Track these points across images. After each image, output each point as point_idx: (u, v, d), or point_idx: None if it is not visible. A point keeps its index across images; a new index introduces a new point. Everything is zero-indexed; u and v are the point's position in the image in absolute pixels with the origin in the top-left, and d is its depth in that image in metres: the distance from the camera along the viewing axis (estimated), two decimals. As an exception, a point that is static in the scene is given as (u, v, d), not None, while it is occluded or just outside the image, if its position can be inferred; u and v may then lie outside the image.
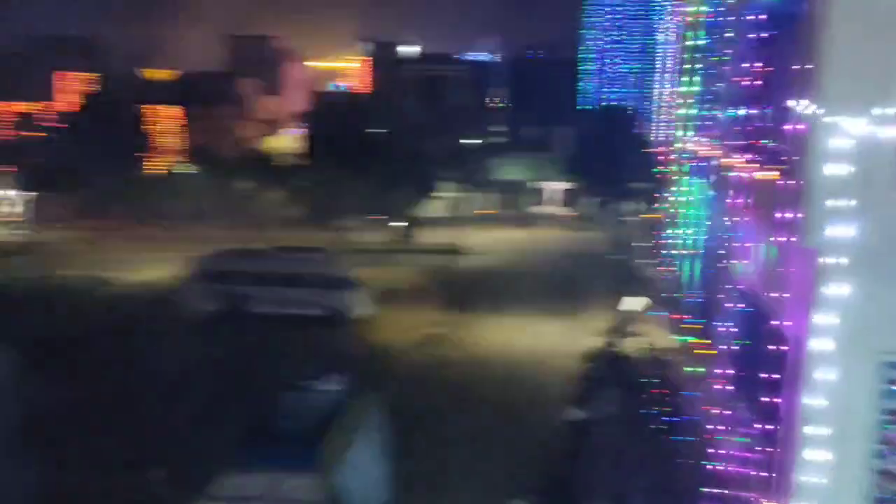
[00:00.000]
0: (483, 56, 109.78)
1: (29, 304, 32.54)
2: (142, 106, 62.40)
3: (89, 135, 53.31)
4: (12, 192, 57.23)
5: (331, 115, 56.65)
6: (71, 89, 73.62)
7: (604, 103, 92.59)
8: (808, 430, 9.13)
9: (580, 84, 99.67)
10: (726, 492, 11.73)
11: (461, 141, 62.87)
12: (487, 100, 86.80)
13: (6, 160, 57.68)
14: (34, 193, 55.97)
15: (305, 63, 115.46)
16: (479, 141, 67.54)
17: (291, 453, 13.56)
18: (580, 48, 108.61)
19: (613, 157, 55.25)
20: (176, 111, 70.41)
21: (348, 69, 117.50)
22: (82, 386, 23.50)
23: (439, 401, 22.69)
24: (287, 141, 73.65)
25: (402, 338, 29.46)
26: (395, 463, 17.23)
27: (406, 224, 49.09)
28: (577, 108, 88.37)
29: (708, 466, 12.53)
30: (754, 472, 10.42)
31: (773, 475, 9.90)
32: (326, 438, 14.16)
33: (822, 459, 9.08)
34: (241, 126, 74.07)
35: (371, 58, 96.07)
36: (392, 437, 17.27)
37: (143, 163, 59.73)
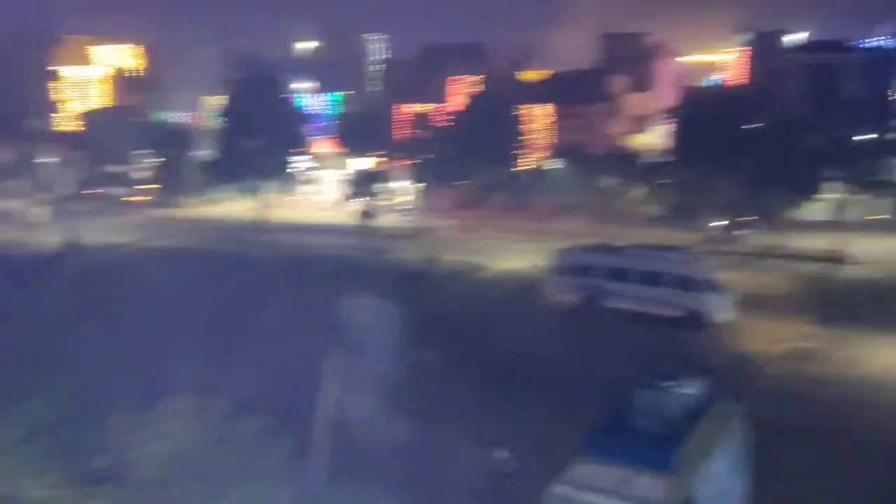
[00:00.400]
0: (887, 41, 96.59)
1: (414, 282, 36.67)
2: (519, 106, 66.28)
3: (471, 133, 58.14)
4: (407, 184, 64.90)
5: (703, 111, 54.33)
6: (460, 92, 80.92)
7: None
8: None
9: None
10: None
11: (853, 137, 56.11)
12: (890, 91, 76.22)
13: (403, 155, 65.54)
14: (424, 185, 62.81)
15: (678, 58, 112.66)
16: (877, 136, 59.65)
17: (646, 452, 13.37)
18: None
19: None
20: (549, 110, 73.62)
21: (725, 62, 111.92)
22: (451, 360, 25.78)
23: (804, 420, 20.65)
24: (656, 137, 72.69)
25: (766, 348, 27.35)
26: (754, 479, 16.10)
27: (733, 226, 45.43)
28: None
29: None
30: None
31: None
32: (684, 442, 13.72)
33: None
34: (611, 123, 74.90)
35: (750, 48, 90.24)
36: (752, 452, 16.17)
37: (518, 159, 63.48)
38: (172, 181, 62.77)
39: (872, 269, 39.50)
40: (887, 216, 52.78)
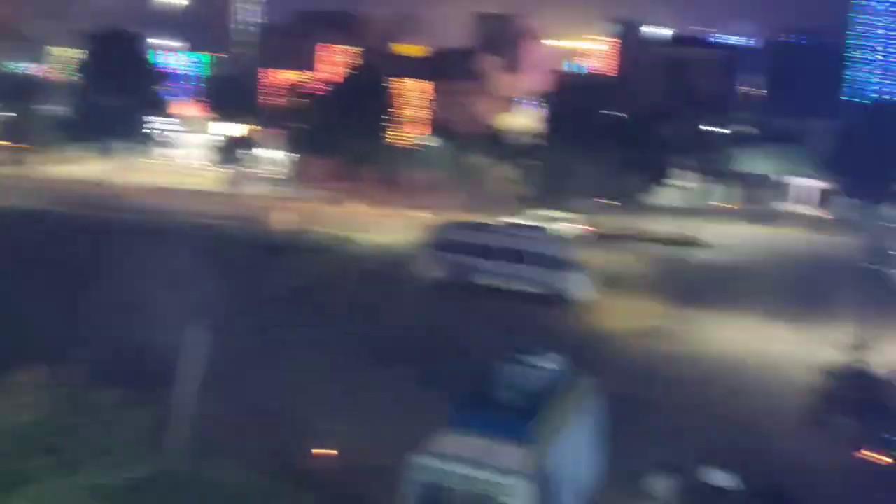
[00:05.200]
0: (738, 39, 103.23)
1: (281, 254, 36.00)
2: (392, 79, 65.89)
3: (346, 104, 57.30)
4: (277, 152, 63.38)
5: (570, 96, 56.26)
6: (334, 62, 79.49)
7: (874, 96, 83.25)
8: None
9: (847, 73, 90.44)
10: None
11: (705, 128, 59.80)
12: (739, 86, 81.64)
13: (275, 124, 63.82)
14: (295, 154, 61.54)
15: (548, 42, 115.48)
16: (726, 130, 63.84)
17: (506, 423, 13.86)
18: (849, 34, 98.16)
19: (880, 156, 49.73)
20: (422, 85, 73.73)
21: (591, 49, 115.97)
22: (317, 334, 25.59)
23: (654, 394, 22.05)
24: (524, 119, 74.42)
25: (622, 326, 28.91)
26: (607, 449, 17.05)
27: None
28: (842, 99, 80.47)
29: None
30: None
31: None
32: (542, 414, 14.32)
33: None
34: (482, 102, 75.92)
35: (616, 38, 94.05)
36: (605, 423, 17.10)
37: (392, 133, 63.27)
38: (21, 136, 58.22)
39: (719, 253, 42.46)
40: (732, 203, 56.74)
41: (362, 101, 57.22)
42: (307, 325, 26.06)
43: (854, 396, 20.45)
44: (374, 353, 23.80)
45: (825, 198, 58.14)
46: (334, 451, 16.59)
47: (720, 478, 15.60)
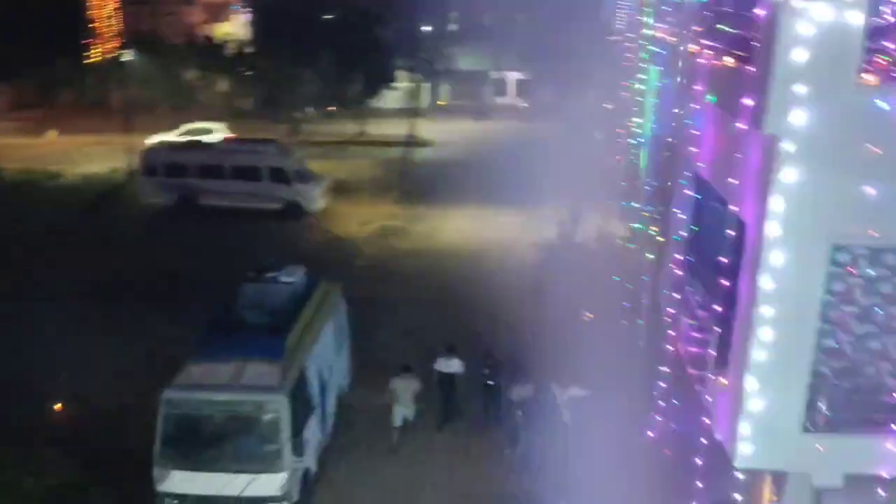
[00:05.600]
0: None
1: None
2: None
3: (21, 21, 50.24)
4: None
5: (281, 0, 54.10)
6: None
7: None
8: (758, 310, 9.50)
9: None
10: (679, 370, 12.31)
11: (419, 28, 60.91)
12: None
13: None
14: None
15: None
16: (436, 29, 65.53)
17: (256, 343, 13.75)
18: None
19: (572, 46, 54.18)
20: (114, -6, 66.62)
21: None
22: (40, 282, 23.26)
23: (393, 291, 23.04)
24: (235, 27, 70.57)
25: (358, 230, 29.52)
26: (354, 350, 17.65)
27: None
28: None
29: (662, 347, 13.08)
30: (706, 351, 10.91)
31: (723, 354, 10.37)
32: (290, 327, 14.37)
33: (770, 339, 9.50)
34: (187, 11, 70.64)
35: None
36: (350, 326, 17.62)
37: (84, 50, 56.89)
38: None
39: (442, 150, 44.37)
40: (448, 102, 59.16)
41: (42, 14, 50.38)
42: (23, 274, 23.47)
43: (562, 265, 22.93)
44: (103, 293, 22.17)
45: (526, 89, 62.56)
46: (77, 402, 15.46)
47: (452, 364, 16.56)
